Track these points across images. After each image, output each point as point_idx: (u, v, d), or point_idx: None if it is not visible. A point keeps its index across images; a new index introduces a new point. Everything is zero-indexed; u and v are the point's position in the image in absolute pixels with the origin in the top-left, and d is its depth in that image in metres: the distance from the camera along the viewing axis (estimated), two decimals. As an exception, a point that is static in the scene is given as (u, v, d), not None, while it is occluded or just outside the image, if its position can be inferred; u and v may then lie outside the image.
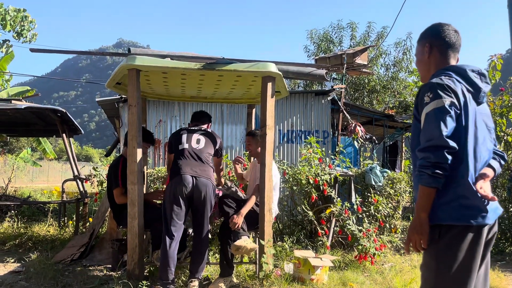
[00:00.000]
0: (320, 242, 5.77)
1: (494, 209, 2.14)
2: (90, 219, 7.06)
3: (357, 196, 6.44)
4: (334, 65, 9.52)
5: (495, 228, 2.21)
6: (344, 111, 9.09)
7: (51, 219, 8.17)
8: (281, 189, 7.48)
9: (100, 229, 6.11)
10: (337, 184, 6.36)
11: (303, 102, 9.22)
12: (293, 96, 9.21)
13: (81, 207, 7.20)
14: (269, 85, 4.42)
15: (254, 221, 4.49)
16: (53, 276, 4.69)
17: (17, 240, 6.58)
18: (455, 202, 2.06)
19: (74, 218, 7.33)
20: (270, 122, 4.46)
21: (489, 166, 2.20)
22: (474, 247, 2.05)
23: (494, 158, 2.27)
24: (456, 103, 2.05)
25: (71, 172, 7.72)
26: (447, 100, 2.03)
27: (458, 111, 2.08)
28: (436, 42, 2.29)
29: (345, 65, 9.49)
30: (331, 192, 5.99)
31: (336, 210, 5.83)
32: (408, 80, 17.49)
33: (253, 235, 5.32)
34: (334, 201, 5.92)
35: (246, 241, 4.07)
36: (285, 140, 9.14)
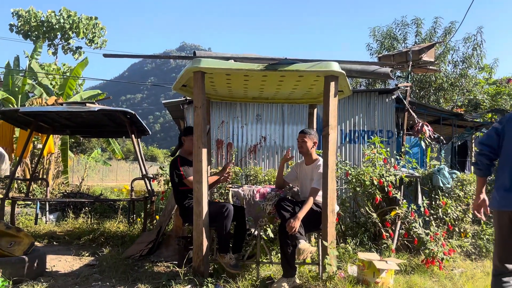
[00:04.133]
0: (385, 245, 5.61)
1: None
2: (157, 217, 7.34)
3: (424, 198, 6.20)
4: (399, 62, 9.22)
5: None
6: (410, 110, 8.79)
7: (121, 216, 8.59)
8: (343, 190, 7.38)
9: (166, 227, 6.33)
10: (402, 186, 6.15)
11: (366, 101, 9.03)
12: (355, 95, 9.03)
13: (148, 205, 7.50)
14: (332, 84, 4.36)
15: (313, 223, 4.45)
16: (124, 271, 4.94)
17: (91, 235, 7.00)
18: None
19: (142, 215, 7.64)
20: (332, 122, 4.39)
21: None
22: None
23: None
24: None
25: (138, 171, 8.05)
26: None
27: None
28: None
29: (410, 63, 9.17)
30: (396, 193, 5.79)
31: (402, 213, 5.65)
32: (479, 77, 16.57)
33: (315, 236, 5.29)
34: (400, 203, 5.73)
35: (304, 245, 4.08)
36: (347, 140, 8.99)
